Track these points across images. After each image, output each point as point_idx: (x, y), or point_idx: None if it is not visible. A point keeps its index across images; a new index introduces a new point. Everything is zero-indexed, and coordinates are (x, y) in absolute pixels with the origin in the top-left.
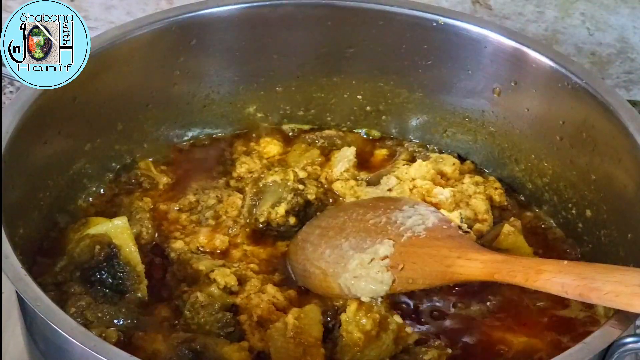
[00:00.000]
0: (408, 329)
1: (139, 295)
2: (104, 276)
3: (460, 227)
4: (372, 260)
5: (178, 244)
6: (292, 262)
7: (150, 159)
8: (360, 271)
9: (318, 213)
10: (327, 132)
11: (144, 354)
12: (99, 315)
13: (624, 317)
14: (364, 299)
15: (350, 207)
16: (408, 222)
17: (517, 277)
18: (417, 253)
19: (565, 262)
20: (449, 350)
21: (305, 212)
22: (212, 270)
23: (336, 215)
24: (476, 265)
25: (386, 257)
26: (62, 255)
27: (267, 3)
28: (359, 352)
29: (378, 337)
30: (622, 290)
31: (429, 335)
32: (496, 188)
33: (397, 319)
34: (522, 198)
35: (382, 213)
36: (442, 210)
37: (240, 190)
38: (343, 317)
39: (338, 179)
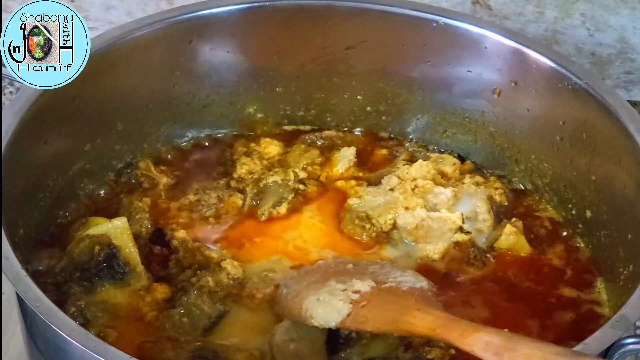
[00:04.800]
0: None
1: None
2: (104, 276)
3: (461, 229)
4: (344, 290)
5: (181, 233)
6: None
7: (150, 159)
8: (326, 296)
9: None
10: (327, 132)
11: None
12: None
13: (624, 318)
14: (315, 323)
15: (366, 262)
16: (400, 278)
17: (455, 332)
18: (385, 299)
19: (506, 330)
20: (453, 351)
21: None
22: (224, 259)
23: (347, 263)
24: (427, 318)
25: (359, 292)
26: (62, 256)
27: (267, 3)
28: (364, 346)
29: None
30: (535, 354)
31: None
32: (497, 188)
33: None
34: (522, 198)
35: (386, 271)
36: (442, 210)
37: (241, 191)
38: None
39: (339, 179)
